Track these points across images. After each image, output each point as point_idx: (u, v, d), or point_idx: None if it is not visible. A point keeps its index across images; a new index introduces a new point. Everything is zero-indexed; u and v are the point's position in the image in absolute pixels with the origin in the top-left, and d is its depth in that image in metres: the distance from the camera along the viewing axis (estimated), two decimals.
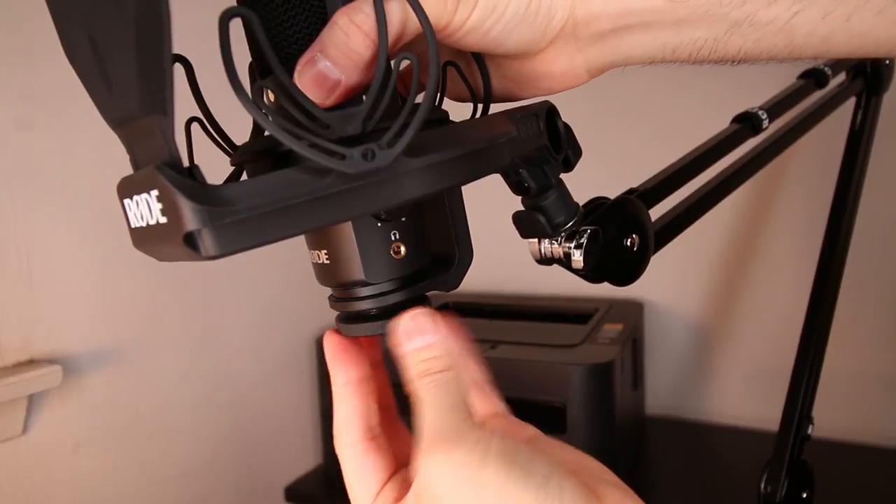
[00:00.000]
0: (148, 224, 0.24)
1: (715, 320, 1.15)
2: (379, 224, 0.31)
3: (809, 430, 0.64)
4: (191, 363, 1.05)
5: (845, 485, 0.89)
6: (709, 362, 1.16)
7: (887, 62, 0.71)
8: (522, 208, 0.38)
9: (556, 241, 0.39)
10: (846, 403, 1.03)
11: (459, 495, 0.26)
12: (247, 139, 0.33)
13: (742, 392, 1.13)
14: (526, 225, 0.38)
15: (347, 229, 0.31)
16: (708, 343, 1.16)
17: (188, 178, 0.23)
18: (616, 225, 0.40)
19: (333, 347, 0.34)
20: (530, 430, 0.35)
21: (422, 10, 0.27)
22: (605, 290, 0.44)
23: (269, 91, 0.30)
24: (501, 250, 0.83)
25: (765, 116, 0.56)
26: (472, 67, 0.35)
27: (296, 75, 0.27)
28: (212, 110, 0.32)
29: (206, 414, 1.08)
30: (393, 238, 0.32)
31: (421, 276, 0.33)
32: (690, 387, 1.18)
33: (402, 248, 0.32)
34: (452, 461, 0.26)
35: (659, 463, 1.08)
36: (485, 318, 1.14)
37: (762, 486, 0.62)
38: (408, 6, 0.27)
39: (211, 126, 0.32)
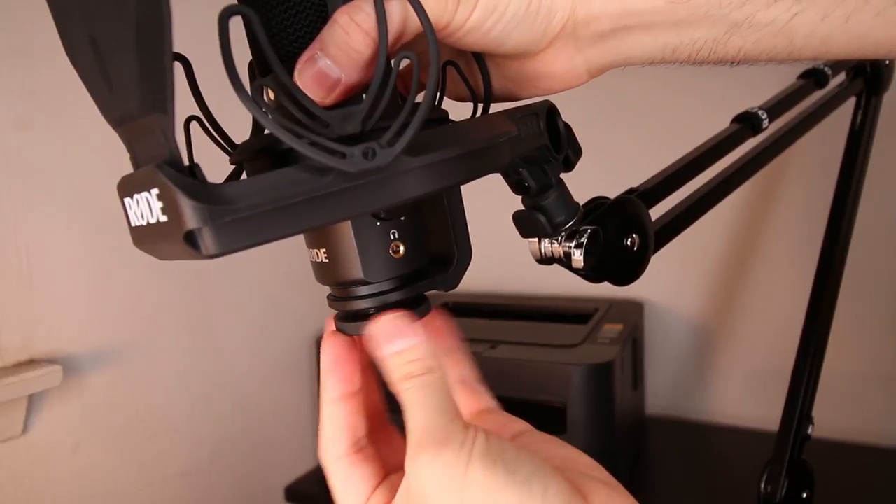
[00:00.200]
0: (148, 223, 0.24)
1: (715, 320, 1.15)
2: (378, 223, 0.31)
3: (809, 430, 0.64)
4: (190, 363, 1.06)
5: (845, 485, 0.89)
6: (709, 362, 1.16)
7: (887, 62, 0.71)
8: (522, 208, 0.38)
9: (557, 240, 0.39)
10: (846, 403, 1.03)
11: (447, 496, 0.26)
12: (246, 137, 0.33)
13: (742, 392, 1.13)
14: (526, 224, 0.38)
15: (346, 228, 0.31)
16: (708, 343, 1.16)
17: (189, 177, 0.23)
18: (616, 225, 0.40)
19: (332, 356, 0.33)
20: (520, 425, 0.35)
21: (422, 9, 0.27)
22: (605, 290, 0.44)
23: (269, 89, 0.30)
24: (501, 250, 0.83)
25: (765, 116, 0.56)
26: (472, 67, 0.35)
27: (296, 73, 0.27)
28: (211, 108, 0.32)
29: (205, 414, 1.08)
30: (392, 237, 0.32)
31: (420, 276, 0.33)
32: (690, 387, 1.18)
33: (401, 248, 0.32)
34: (439, 462, 0.27)
35: (659, 463, 1.08)
36: (485, 318, 1.13)
37: (762, 486, 0.62)
38: (408, 5, 0.27)
39: (210, 124, 0.32)
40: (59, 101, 0.85)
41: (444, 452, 0.27)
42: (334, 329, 0.34)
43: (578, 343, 0.95)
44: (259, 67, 0.31)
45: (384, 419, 0.36)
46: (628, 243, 0.41)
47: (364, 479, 0.32)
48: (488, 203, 0.64)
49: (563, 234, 0.38)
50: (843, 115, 0.70)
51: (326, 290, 0.35)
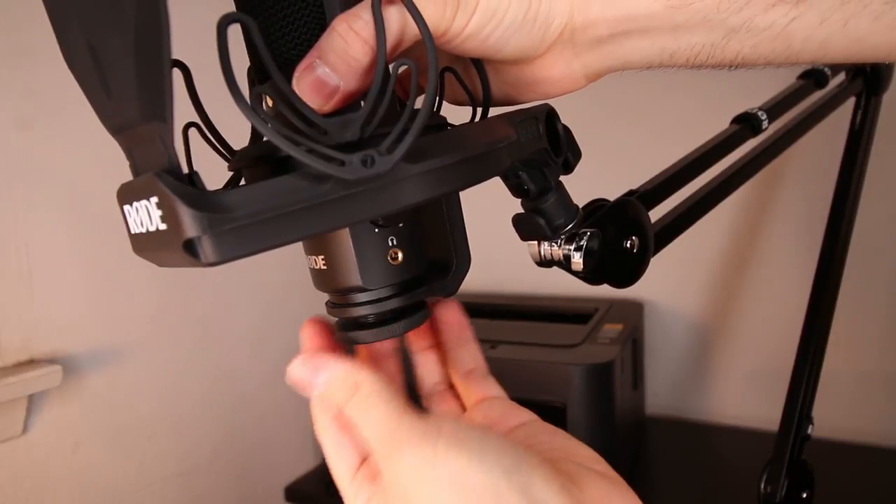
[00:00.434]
0: (147, 230, 0.24)
1: (715, 320, 1.15)
2: (376, 230, 0.31)
3: (809, 430, 0.64)
4: (191, 363, 1.06)
5: (845, 485, 0.89)
6: (709, 362, 1.16)
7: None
8: (522, 210, 0.38)
9: (556, 243, 0.39)
10: (846, 403, 1.03)
11: (423, 486, 0.26)
12: (244, 144, 0.33)
13: (742, 392, 1.13)
14: (526, 227, 0.38)
15: (344, 235, 0.31)
16: (708, 343, 1.16)
17: (188, 185, 0.23)
18: (616, 227, 0.40)
19: (306, 334, 0.34)
20: (524, 415, 0.36)
21: (420, 16, 0.27)
22: (605, 290, 0.44)
23: (268, 97, 0.30)
24: (501, 251, 0.84)
25: (764, 117, 0.56)
26: (471, 72, 0.35)
27: (294, 81, 0.27)
28: (210, 115, 0.32)
29: (205, 414, 1.08)
30: (390, 244, 0.32)
31: (418, 283, 0.33)
32: (690, 387, 1.18)
33: (400, 254, 0.32)
34: (406, 457, 0.27)
35: (659, 463, 1.08)
36: (485, 318, 1.13)
37: (762, 486, 0.62)
38: (406, 13, 0.27)
39: (209, 131, 0.32)
40: (59, 101, 0.85)
41: (408, 448, 0.27)
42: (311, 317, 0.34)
43: (578, 343, 0.95)
44: (257, 74, 0.31)
45: None
46: (628, 245, 0.41)
47: (353, 447, 0.32)
48: (488, 204, 0.64)
49: (562, 236, 0.38)
50: (842, 116, 0.70)
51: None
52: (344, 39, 0.27)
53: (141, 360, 0.98)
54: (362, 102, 0.27)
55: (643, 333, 1.15)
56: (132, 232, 0.25)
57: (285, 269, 1.17)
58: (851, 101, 0.72)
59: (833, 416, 0.95)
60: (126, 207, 0.25)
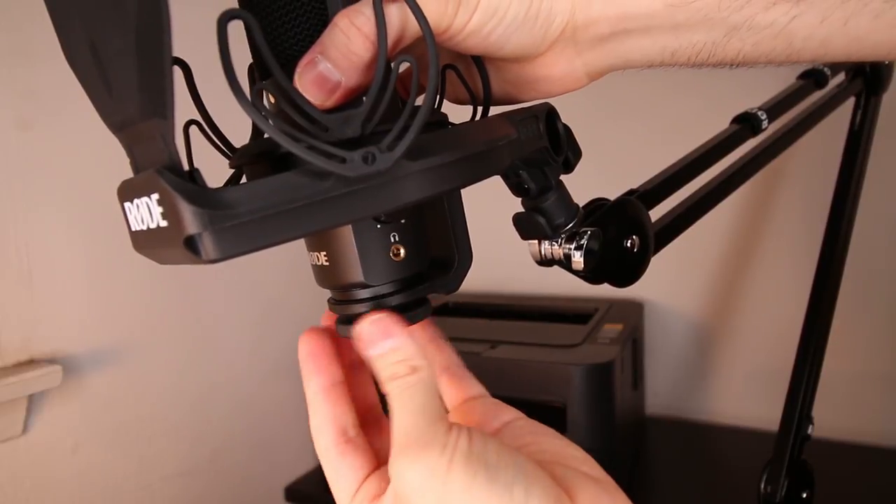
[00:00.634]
0: (148, 228, 0.24)
1: (715, 320, 1.15)
2: (378, 226, 0.31)
3: (809, 430, 0.64)
4: (190, 363, 1.06)
5: (845, 485, 0.89)
6: (709, 362, 1.16)
7: (886, 62, 0.71)
8: (522, 209, 0.38)
9: (557, 242, 0.39)
10: (846, 403, 1.03)
11: (428, 498, 0.26)
12: (245, 141, 0.33)
13: (742, 392, 1.13)
14: (526, 226, 0.38)
15: (347, 231, 0.31)
16: (708, 343, 1.16)
17: (189, 182, 0.23)
18: (616, 226, 0.40)
19: (306, 352, 0.34)
20: (509, 413, 0.35)
21: (421, 13, 0.27)
22: (605, 290, 0.44)
23: (269, 93, 0.30)
24: (502, 250, 0.84)
25: (764, 117, 0.56)
26: (472, 70, 0.35)
27: (296, 76, 0.27)
28: (210, 112, 0.32)
29: (205, 414, 1.08)
30: (392, 240, 0.32)
31: (420, 279, 0.33)
32: (690, 387, 1.18)
33: (402, 251, 0.32)
34: (421, 465, 0.27)
35: (659, 463, 1.08)
36: (485, 318, 1.13)
37: (762, 486, 0.62)
38: (407, 9, 0.27)
39: (210, 128, 0.32)
40: (59, 101, 0.85)
41: (425, 455, 0.27)
42: (312, 327, 0.34)
43: (578, 343, 0.95)
44: (259, 71, 0.31)
45: (378, 413, 0.36)
46: (628, 245, 0.41)
47: (354, 468, 0.32)
48: (489, 203, 0.64)
49: (563, 235, 0.38)
50: (842, 116, 0.70)
51: (327, 291, 0.35)
52: (346, 35, 0.27)
53: (141, 360, 0.97)
54: (364, 98, 0.27)
55: (643, 333, 1.15)
56: (133, 229, 0.25)
57: (285, 269, 1.17)
58: (851, 101, 0.72)
59: (833, 416, 0.95)
60: (126, 205, 0.25)
